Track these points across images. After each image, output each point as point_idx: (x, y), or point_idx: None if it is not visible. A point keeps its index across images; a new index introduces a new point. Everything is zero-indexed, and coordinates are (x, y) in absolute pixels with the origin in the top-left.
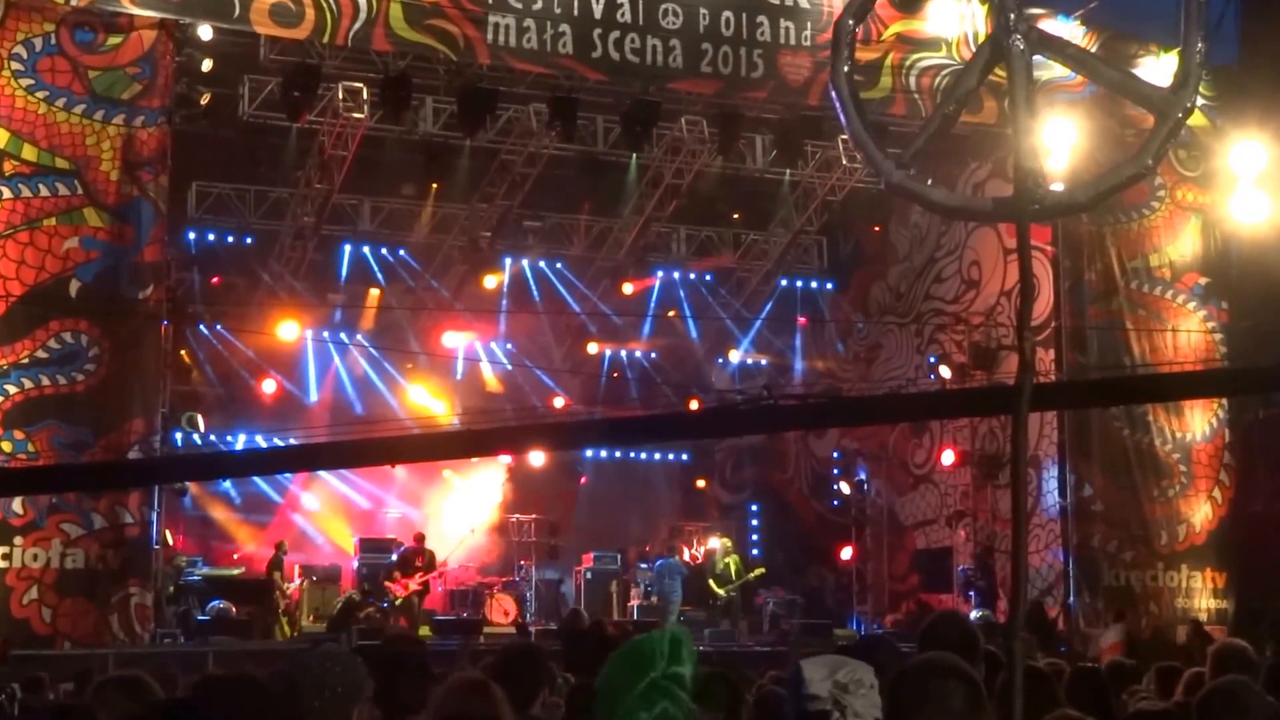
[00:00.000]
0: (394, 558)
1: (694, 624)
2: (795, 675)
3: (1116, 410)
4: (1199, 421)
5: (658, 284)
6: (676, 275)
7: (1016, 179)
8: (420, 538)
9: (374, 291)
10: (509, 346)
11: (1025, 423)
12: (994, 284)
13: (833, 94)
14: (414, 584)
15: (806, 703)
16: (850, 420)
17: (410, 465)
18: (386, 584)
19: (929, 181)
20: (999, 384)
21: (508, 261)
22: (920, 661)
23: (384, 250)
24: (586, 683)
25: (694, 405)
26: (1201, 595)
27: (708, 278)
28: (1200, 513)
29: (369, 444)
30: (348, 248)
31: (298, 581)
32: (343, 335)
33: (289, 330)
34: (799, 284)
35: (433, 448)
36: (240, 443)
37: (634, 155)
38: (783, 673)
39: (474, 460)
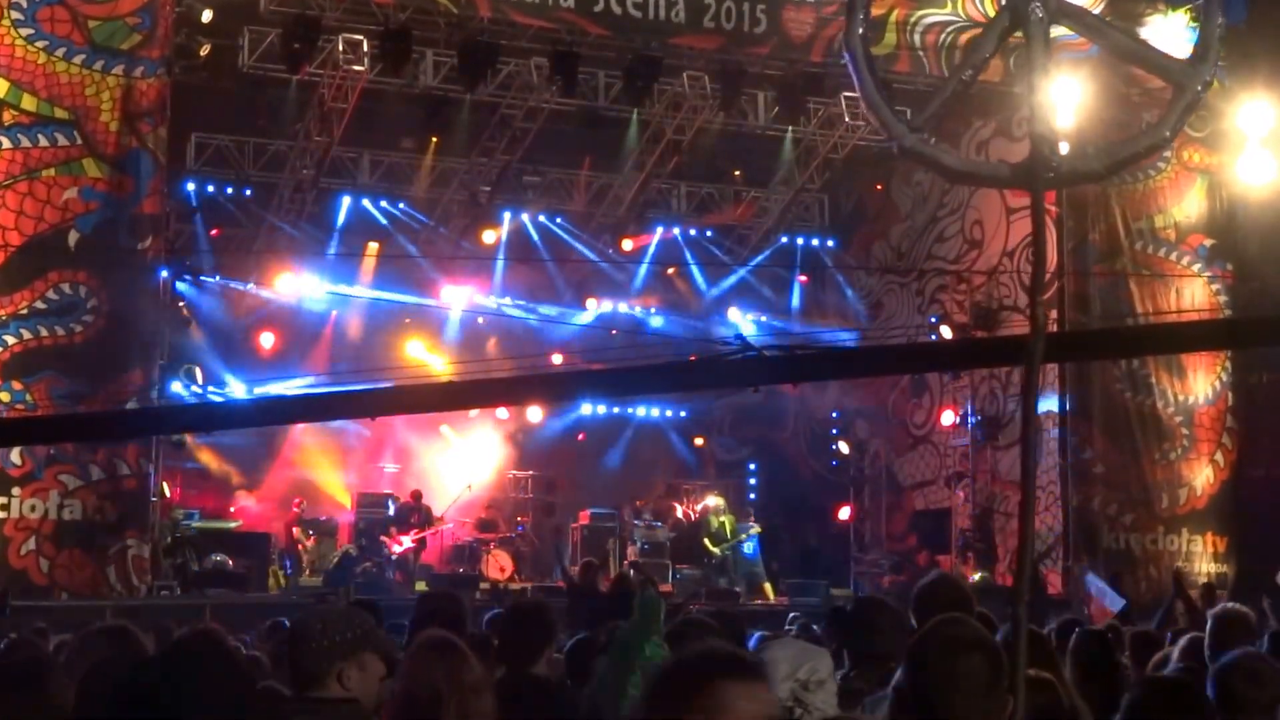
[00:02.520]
0: (390, 513)
1: (691, 581)
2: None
3: (1118, 371)
4: (1201, 384)
5: (657, 240)
6: (677, 232)
7: (1032, 146)
8: (417, 494)
9: (373, 245)
10: (507, 301)
11: (1036, 388)
12: (997, 243)
13: (846, 56)
14: (409, 540)
15: None
16: (839, 373)
17: (408, 421)
18: (383, 539)
19: (940, 145)
20: (1002, 337)
21: (506, 216)
22: (944, 636)
23: (383, 203)
24: (587, 638)
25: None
26: (1202, 559)
27: (708, 234)
28: (1202, 476)
29: (364, 396)
30: (346, 200)
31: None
32: (341, 287)
33: (287, 283)
34: (800, 241)
35: (423, 400)
36: (239, 395)
37: (635, 111)
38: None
39: (471, 416)
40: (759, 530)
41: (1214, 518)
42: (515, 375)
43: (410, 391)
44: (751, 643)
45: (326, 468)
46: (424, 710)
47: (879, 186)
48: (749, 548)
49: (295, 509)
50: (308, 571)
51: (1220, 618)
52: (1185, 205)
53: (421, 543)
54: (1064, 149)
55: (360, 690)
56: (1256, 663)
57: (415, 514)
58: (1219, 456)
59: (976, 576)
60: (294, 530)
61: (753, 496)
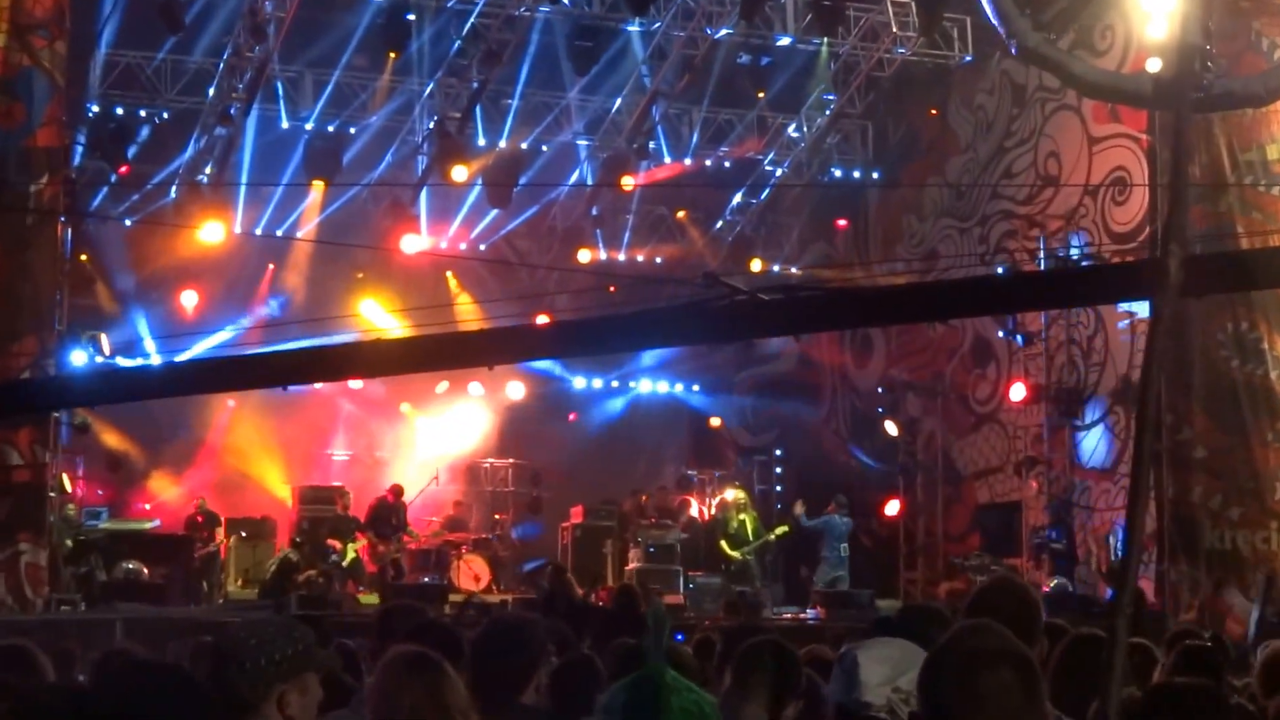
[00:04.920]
0: (341, 515)
1: (707, 592)
2: (850, 667)
3: (1223, 335)
4: None
5: (663, 177)
6: (688, 165)
7: (1180, 59)
8: (398, 491)
9: (318, 184)
10: (481, 251)
11: (1158, 355)
12: (1077, 180)
13: None
14: (393, 551)
15: (858, 704)
16: (849, 319)
17: (361, 400)
18: (330, 542)
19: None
20: (1110, 266)
21: (481, 147)
22: (964, 648)
23: (331, 133)
24: (578, 659)
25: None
26: None
27: (726, 168)
28: None
29: (302, 357)
30: (285, 129)
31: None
32: (279, 234)
33: (214, 231)
34: (838, 178)
35: (372, 360)
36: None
37: (637, 21)
38: (820, 652)
39: (439, 392)
40: (786, 530)
41: None
42: (455, 332)
43: (354, 351)
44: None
45: (262, 456)
46: None
47: (933, 111)
48: (844, 549)
49: (194, 505)
50: (242, 581)
51: None
52: None
53: (399, 557)
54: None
55: (300, 716)
56: None
57: (395, 515)
58: None
59: (1052, 583)
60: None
61: (779, 488)
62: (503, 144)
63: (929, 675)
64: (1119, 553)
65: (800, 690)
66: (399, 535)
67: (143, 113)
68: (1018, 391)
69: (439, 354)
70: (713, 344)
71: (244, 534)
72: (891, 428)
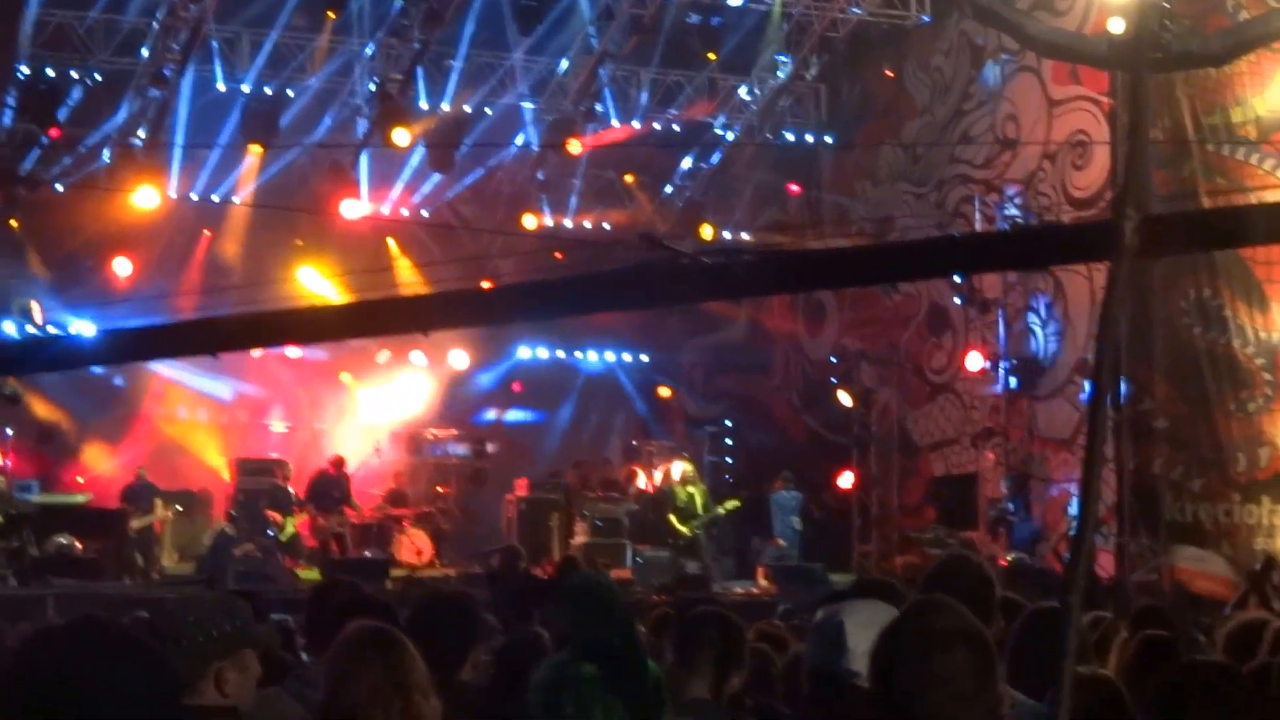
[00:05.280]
0: (280, 488)
1: (656, 566)
2: (835, 634)
3: (1186, 304)
4: None
5: (611, 140)
6: (636, 128)
7: (1138, 19)
8: (339, 462)
9: (255, 148)
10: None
11: (1117, 320)
12: (1035, 145)
13: None
14: (334, 524)
15: (848, 673)
16: (791, 283)
17: (300, 370)
18: (269, 514)
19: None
20: (1064, 226)
21: (423, 110)
22: (918, 627)
23: (268, 95)
24: (524, 636)
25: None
26: None
27: (676, 131)
28: None
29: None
30: (222, 90)
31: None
32: (214, 199)
33: (148, 196)
34: (791, 141)
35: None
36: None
37: None
38: (775, 627)
39: (380, 362)
40: (737, 504)
41: None
42: (390, 297)
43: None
44: None
45: (198, 428)
46: (355, 715)
47: (889, 73)
48: (796, 523)
49: (134, 474)
50: (178, 556)
51: None
52: (1270, 96)
53: (343, 530)
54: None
55: (239, 695)
56: None
57: (337, 488)
58: None
59: (1010, 557)
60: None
61: (730, 460)
62: (445, 106)
63: (883, 654)
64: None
65: (744, 662)
66: (341, 508)
67: (74, 74)
68: (974, 361)
69: (374, 319)
70: (653, 308)
71: (180, 507)
72: (845, 398)
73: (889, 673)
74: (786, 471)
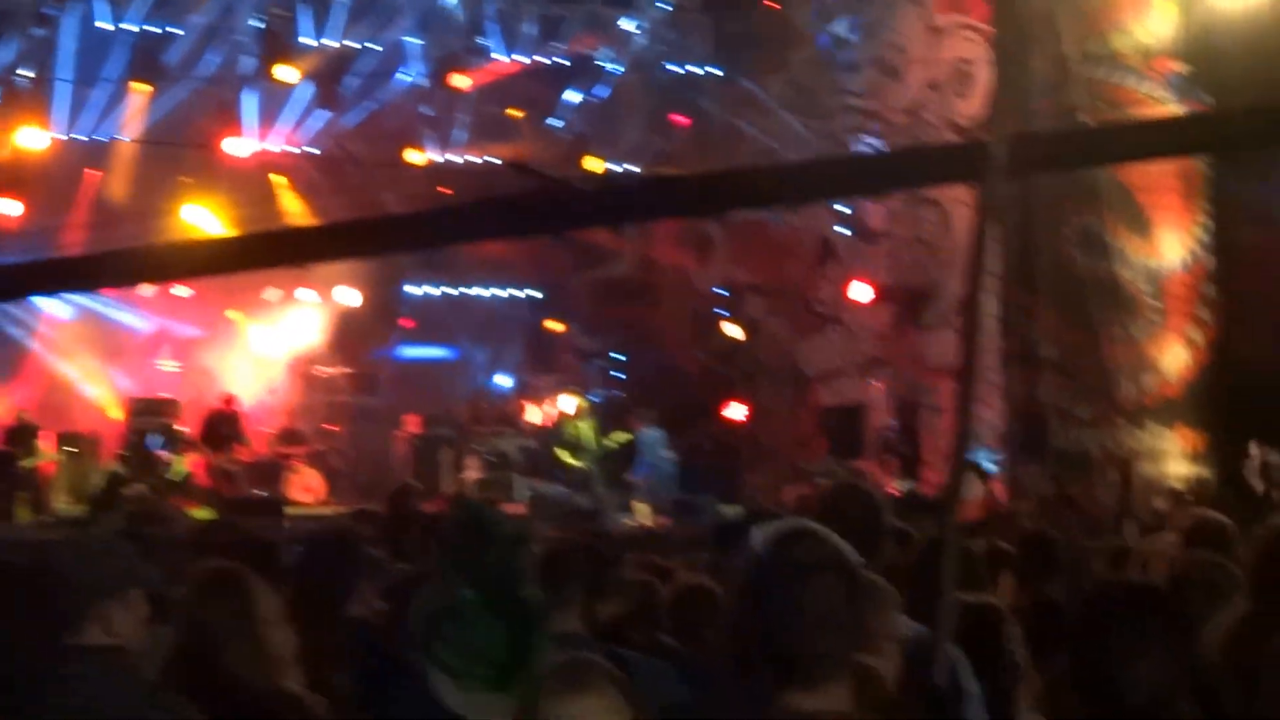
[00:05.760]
0: (171, 427)
1: (548, 500)
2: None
3: (1069, 232)
4: (1173, 245)
5: (497, 75)
6: (524, 62)
7: None
8: (229, 399)
9: (140, 87)
10: (311, 152)
11: (986, 241)
12: (919, 73)
13: None
14: (224, 462)
15: None
16: (665, 208)
17: (188, 308)
18: (161, 454)
19: None
20: (938, 147)
21: (308, 48)
22: (784, 558)
23: (153, 34)
24: (415, 572)
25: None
26: (1174, 459)
27: (563, 65)
28: (1174, 358)
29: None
30: (107, 30)
31: (48, 454)
32: (98, 138)
33: (33, 136)
34: (677, 74)
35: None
36: None
37: None
38: (654, 560)
39: (269, 299)
40: (629, 437)
41: (1189, 409)
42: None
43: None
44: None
45: (87, 366)
46: (209, 651)
47: (774, 4)
48: (663, 457)
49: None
50: (70, 497)
51: (1191, 530)
52: (1151, 23)
53: (236, 465)
54: None
55: (126, 634)
56: (1215, 574)
57: (228, 425)
58: (1194, 334)
59: (900, 486)
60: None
61: (620, 393)
62: (330, 42)
63: (749, 587)
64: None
65: (614, 592)
66: (231, 446)
67: None
68: (861, 291)
69: (249, 253)
70: (526, 238)
71: (72, 449)
72: (733, 330)
73: (756, 603)
74: (641, 409)
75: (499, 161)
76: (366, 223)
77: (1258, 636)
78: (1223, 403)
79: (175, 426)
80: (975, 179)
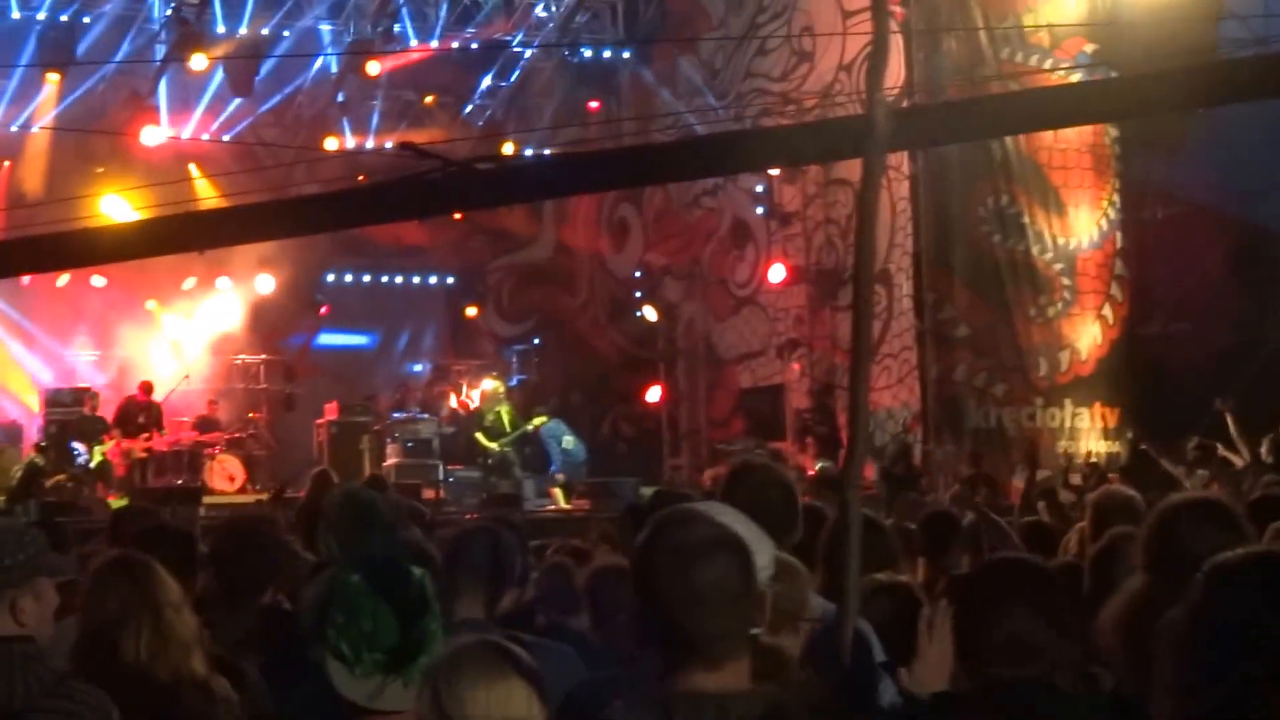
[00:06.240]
0: (88, 417)
1: (467, 485)
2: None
3: (983, 210)
4: (1085, 224)
5: (409, 61)
6: (434, 48)
7: None
8: (147, 387)
9: (52, 76)
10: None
11: (875, 215)
12: (831, 57)
13: None
14: (137, 448)
15: None
16: (560, 186)
17: (106, 298)
18: (76, 444)
19: None
20: (826, 121)
21: (221, 35)
22: (673, 542)
23: (64, 22)
24: (325, 560)
25: None
26: (1089, 436)
27: (475, 49)
28: (1087, 336)
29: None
30: (17, 18)
31: None
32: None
33: None
34: (588, 58)
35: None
36: None
37: None
38: (572, 544)
39: (185, 289)
40: (546, 420)
41: (1103, 386)
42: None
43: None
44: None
45: (4, 360)
46: (111, 638)
47: None
48: (569, 443)
49: None
50: None
51: (1099, 503)
52: (1059, 4)
53: (149, 452)
54: None
55: (35, 623)
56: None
57: (145, 413)
58: (1107, 311)
59: (819, 465)
60: None
61: (537, 378)
62: (243, 30)
63: (640, 571)
64: (881, 432)
65: (515, 578)
66: (143, 434)
67: None
68: (777, 273)
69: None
70: (426, 217)
71: None
72: (650, 313)
73: (649, 588)
74: (537, 407)
75: (390, 145)
76: (271, 206)
77: (1152, 611)
78: (1135, 379)
79: (92, 416)
80: (856, 151)
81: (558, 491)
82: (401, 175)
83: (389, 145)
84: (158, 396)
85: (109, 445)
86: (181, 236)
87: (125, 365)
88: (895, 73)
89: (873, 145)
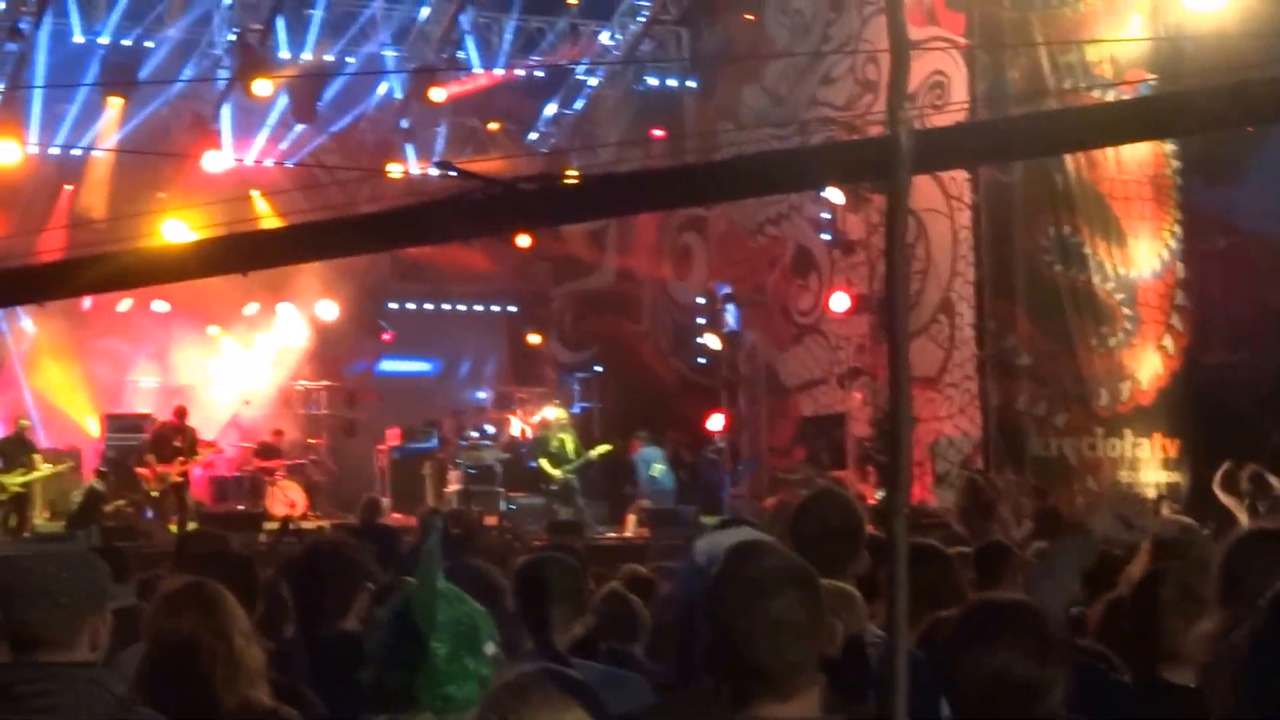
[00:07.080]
0: (145, 437)
1: (529, 512)
2: (710, 564)
3: (1045, 240)
4: (1146, 254)
5: (474, 87)
6: (500, 75)
7: None
8: (181, 412)
9: (114, 101)
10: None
11: (903, 237)
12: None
13: None
14: (172, 472)
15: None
16: (606, 206)
17: (167, 324)
18: (139, 471)
19: None
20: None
21: (284, 61)
22: (745, 574)
23: (127, 47)
24: (389, 584)
25: None
26: (1150, 466)
27: (539, 78)
28: (1148, 366)
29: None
30: (80, 43)
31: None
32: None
33: (7, 151)
34: (653, 86)
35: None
36: None
37: None
38: (635, 570)
39: (247, 314)
40: (610, 448)
41: (1163, 416)
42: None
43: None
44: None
45: (66, 385)
46: (179, 664)
47: (749, 16)
48: (659, 470)
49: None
50: (47, 513)
51: (1159, 538)
52: (1123, 35)
53: (185, 476)
54: None
55: (97, 649)
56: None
57: (179, 436)
58: (1168, 341)
59: (880, 495)
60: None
61: (600, 405)
62: (306, 56)
63: (712, 603)
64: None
65: (581, 606)
66: (178, 458)
67: None
68: (840, 302)
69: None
70: (469, 238)
71: (71, 463)
72: (713, 341)
73: (719, 620)
74: (641, 431)
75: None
76: (320, 225)
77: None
78: (1195, 410)
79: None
80: (883, 172)
81: (632, 518)
82: (447, 195)
83: (453, 173)
84: (219, 422)
85: (150, 468)
86: (230, 257)
87: (186, 392)
88: (959, 104)
89: (898, 167)
